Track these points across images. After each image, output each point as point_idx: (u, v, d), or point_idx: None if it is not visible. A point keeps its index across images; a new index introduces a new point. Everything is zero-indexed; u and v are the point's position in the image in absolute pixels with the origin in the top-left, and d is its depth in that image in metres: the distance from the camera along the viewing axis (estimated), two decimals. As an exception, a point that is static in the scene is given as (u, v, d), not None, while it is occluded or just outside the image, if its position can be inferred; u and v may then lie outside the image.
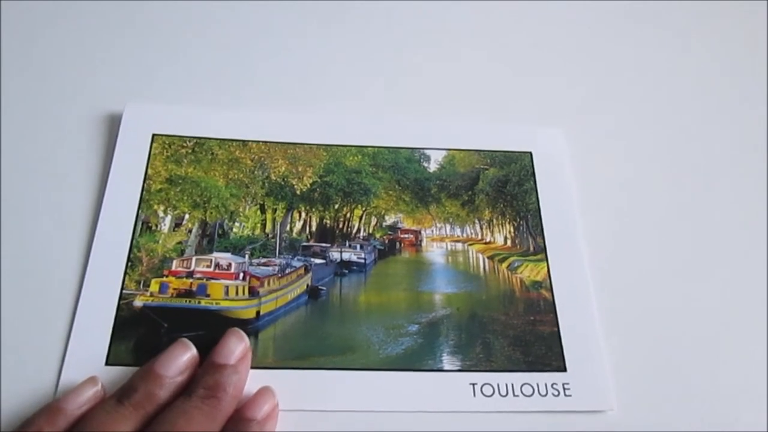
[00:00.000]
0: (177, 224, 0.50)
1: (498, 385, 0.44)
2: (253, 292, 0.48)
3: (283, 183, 0.53)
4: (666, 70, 0.62)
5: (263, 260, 0.50)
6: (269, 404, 0.41)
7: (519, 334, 0.46)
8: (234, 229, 0.51)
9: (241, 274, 0.48)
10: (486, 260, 0.53)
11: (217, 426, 0.39)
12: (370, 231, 0.54)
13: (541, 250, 0.50)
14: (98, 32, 0.59)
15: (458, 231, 0.54)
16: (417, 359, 0.45)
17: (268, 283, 0.48)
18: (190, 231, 0.50)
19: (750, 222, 0.53)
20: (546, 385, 0.44)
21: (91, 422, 0.38)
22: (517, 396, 0.44)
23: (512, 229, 0.53)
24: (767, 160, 0.56)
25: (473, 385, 0.44)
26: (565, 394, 0.44)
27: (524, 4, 0.66)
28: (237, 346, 0.42)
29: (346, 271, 0.51)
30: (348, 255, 0.52)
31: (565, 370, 0.45)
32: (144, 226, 0.49)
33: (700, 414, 0.44)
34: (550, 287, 0.48)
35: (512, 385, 0.44)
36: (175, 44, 0.59)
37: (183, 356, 0.41)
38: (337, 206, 0.54)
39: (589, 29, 0.64)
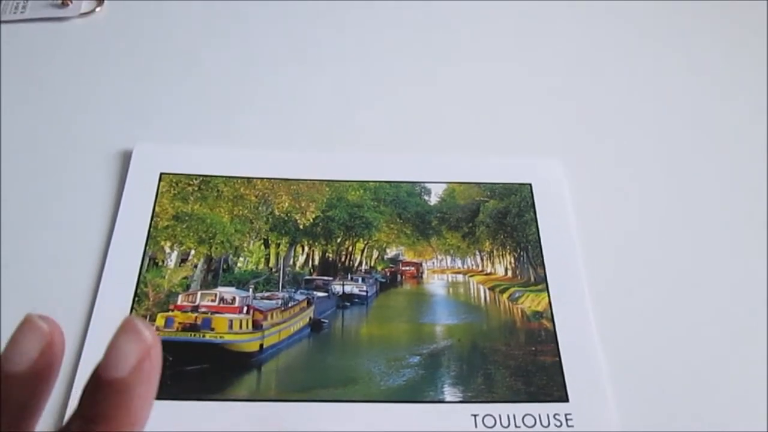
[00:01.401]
0: (183, 260, 0.51)
1: (500, 416, 0.44)
2: (256, 326, 0.48)
3: (286, 218, 0.54)
4: (665, 99, 0.63)
5: (267, 294, 0.51)
6: (138, 346, 0.25)
7: (520, 364, 0.47)
8: (238, 264, 0.52)
9: (245, 308, 0.49)
10: (487, 291, 0.53)
11: None
12: (372, 264, 0.55)
13: (542, 281, 0.51)
14: (108, 73, 0.61)
15: (459, 263, 0.55)
16: (418, 390, 0.45)
17: (272, 317, 0.49)
18: (195, 266, 0.51)
19: (752, 250, 0.53)
20: (548, 415, 0.44)
21: None
22: (519, 427, 0.44)
23: (513, 260, 0.54)
24: (768, 188, 0.56)
25: (475, 416, 0.44)
26: (568, 425, 0.44)
27: (521, 36, 0.67)
28: (132, 347, 0.25)
29: (348, 304, 0.51)
30: (350, 288, 0.52)
31: (567, 400, 0.45)
32: (151, 262, 0.50)
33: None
34: (551, 317, 0.49)
35: (514, 415, 0.44)
36: (183, 85, 0.61)
37: (30, 342, 0.26)
38: (339, 240, 0.55)
39: (586, 60, 0.66)
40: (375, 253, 0.55)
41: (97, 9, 0.66)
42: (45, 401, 0.27)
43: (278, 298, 0.50)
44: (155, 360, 0.26)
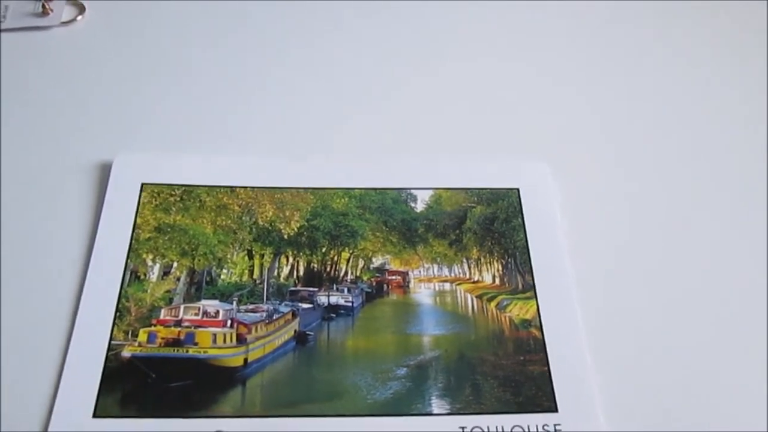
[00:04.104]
0: (165, 273, 0.51)
1: (488, 428, 0.43)
2: (240, 339, 0.48)
3: (270, 228, 0.53)
4: (654, 100, 0.62)
5: (251, 306, 0.50)
6: None
7: (509, 374, 0.46)
8: (222, 276, 0.51)
9: (229, 321, 0.48)
10: (474, 300, 0.53)
11: None
12: (358, 274, 0.54)
13: (530, 288, 0.50)
14: (88, 82, 0.60)
15: (446, 271, 0.54)
16: (405, 403, 0.44)
17: (256, 330, 0.48)
18: (178, 279, 0.51)
19: (747, 256, 0.52)
20: (537, 426, 0.43)
21: None
22: (508, 439, 0.43)
23: (500, 267, 0.53)
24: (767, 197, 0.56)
25: (463, 428, 0.43)
26: (557, 436, 0.43)
27: (507, 38, 0.66)
28: None
29: (334, 315, 0.51)
30: (335, 299, 0.52)
31: (556, 410, 0.44)
32: (132, 276, 0.49)
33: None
34: (540, 326, 0.48)
35: (503, 427, 0.43)
36: (163, 94, 0.60)
37: None
38: (324, 249, 0.54)
39: (574, 61, 0.65)
40: (361, 263, 0.54)
41: (79, 17, 0.65)
42: None
43: (263, 311, 0.50)
44: None
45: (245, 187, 0.54)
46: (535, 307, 0.49)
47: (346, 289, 0.53)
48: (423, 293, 0.53)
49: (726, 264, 0.51)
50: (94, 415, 0.43)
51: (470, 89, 0.62)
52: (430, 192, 0.56)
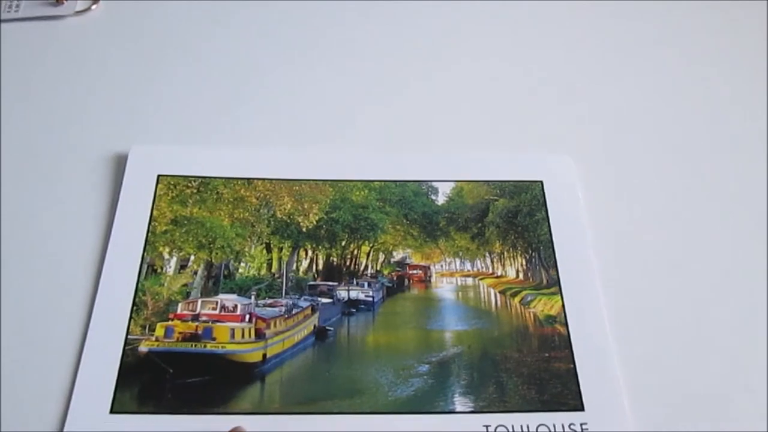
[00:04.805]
0: (182, 266, 0.50)
1: (513, 426, 0.42)
2: (259, 335, 0.47)
3: (288, 221, 0.52)
4: (679, 94, 0.60)
5: (269, 301, 0.49)
6: None
7: (533, 371, 0.45)
8: (240, 270, 0.51)
9: (247, 316, 0.47)
10: (497, 295, 0.51)
11: None
12: (378, 268, 0.53)
13: (555, 283, 0.49)
14: (103, 73, 0.59)
15: (468, 265, 0.53)
16: (428, 401, 0.43)
17: (275, 325, 0.47)
18: (195, 273, 0.50)
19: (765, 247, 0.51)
20: (563, 425, 0.42)
21: None
22: (533, 437, 0.42)
23: (524, 262, 0.52)
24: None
25: (487, 426, 0.42)
26: (583, 435, 0.42)
27: (529, 30, 0.65)
28: None
29: (354, 310, 0.50)
30: (355, 293, 0.51)
31: (582, 409, 0.43)
32: (149, 269, 0.49)
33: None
34: (565, 322, 0.47)
35: (528, 426, 0.42)
36: (180, 84, 0.59)
37: None
38: (343, 243, 0.53)
39: (598, 55, 0.63)
40: (381, 257, 0.53)
41: (93, 7, 0.64)
42: None
43: (281, 305, 0.49)
44: None
45: (263, 179, 0.53)
46: (560, 302, 0.48)
47: (366, 284, 0.52)
48: (445, 288, 0.52)
49: (755, 257, 0.50)
50: (111, 411, 0.42)
51: (493, 82, 0.60)
52: (452, 185, 0.54)
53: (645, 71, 0.62)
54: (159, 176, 0.52)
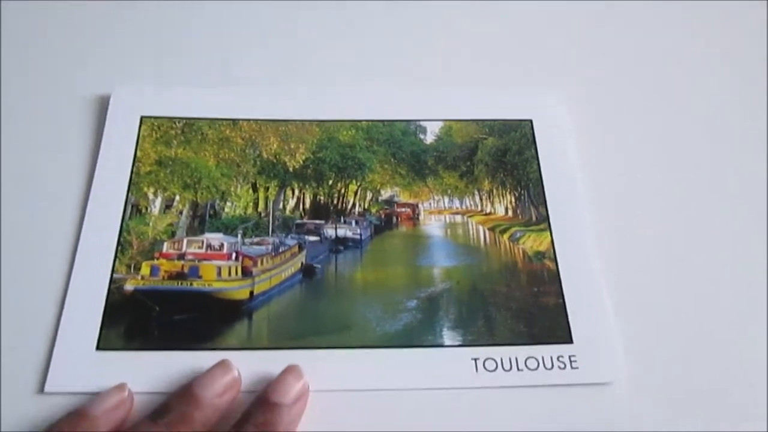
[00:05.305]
0: (167, 206, 0.49)
1: (501, 360, 0.42)
2: (246, 272, 0.46)
3: (275, 161, 0.51)
4: (673, 32, 0.59)
5: (256, 239, 0.49)
6: (298, 385, 0.39)
7: (522, 306, 0.45)
8: (226, 209, 0.50)
9: (234, 255, 0.47)
10: (486, 232, 0.51)
11: None
12: (366, 206, 0.53)
13: (544, 220, 0.48)
14: (83, 13, 0.58)
15: (457, 203, 0.53)
16: (416, 335, 0.43)
17: (262, 263, 0.47)
18: (180, 212, 0.49)
19: (758, 189, 0.50)
20: (551, 357, 0.42)
21: None
22: (522, 370, 0.42)
23: (513, 200, 0.51)
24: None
25: (475, 360, 0.42)
26: (572, 366, 0.42)
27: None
28: (294, 385, 0.39)
29: (342, 248, 0.49)
30: (343, 231, 0.50)
31: (571, 341, 0.43)
32: (134, 209, 0.48)
33: (709, 384, 0.42)
34: (554, 257, 0.46)
35: (516, 359, 0.42)
36: (162, 23, 0.58)
37: (223, 377, 0.39)
38: (331, 182, 0.52)
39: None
40: (369, 195, 0.53)
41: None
42: None
43: (268, 244, 0.48)
44: (307, 396, 0.40)
45: (248, 120, 0.52)
46: (549, 239, 0.47)
47: (354, 222, 0.51)
48: (433, 225, 0.52)
49: (746, 199, 0.50)
50: (98, 348, 0.42)
51: (483, 21, 0.59)
52: (440, 124, 0.54)
53: (643, 13, 0.61)
54: (142, 117, 0.51)
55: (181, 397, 0.38)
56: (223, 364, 0.40)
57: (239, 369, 0.40)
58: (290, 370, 0.40)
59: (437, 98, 0.54)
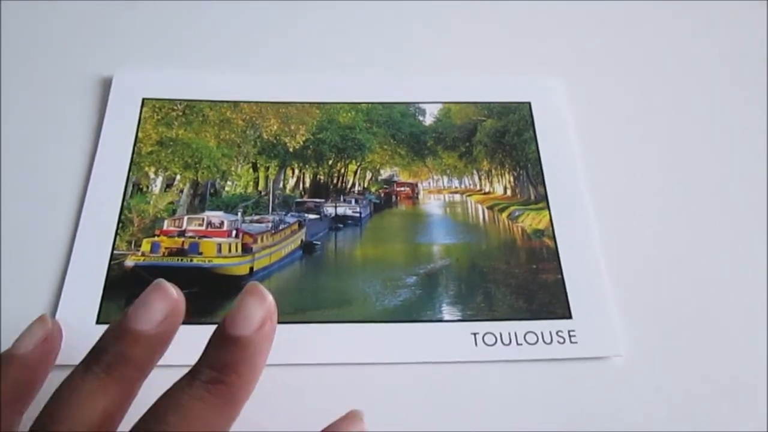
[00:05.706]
0: (168, 185, 0.49)
1: (500, 334, 0.42)
2: (246, 249, 0.47)
3: (275, 141, 0.52)
4: (671, 18, 0.60)
5: (256, 217, 0.49)
6: (261, 309, 0.32)
7: (521, 282, 0.45)
8: (226, 188, 0.50)
9: (234, 232, 0.47)
10: (485, 210, 0.51)
11: (227, 423, 0.30)
12: (365, 185, 0.53)
13: (543, 199, 0.48)
14: None
15: (456, 183, 0.53)
16: (416, 310, 0.43)
17: (262, 240, 0.47)
18: (181, 191, 0.49)
19: (759, 166, 0.51)
20: (551, 332, 0.42)
21: (57, 402, 0.30)
22: (521, 344, 0.42)
23: (512, 179, 0.52)
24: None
25: (475, 334, 0.42)
26: (571, 341, 0.42)
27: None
28: (256, 310, 0.31)
29: (341, 226, 0.50)
30: (343, 209, 0.50)
31: (570, 317, 0.43)
32: (135, 188, 0.48)
33: (709, 358, 0.42)
34: (553, 235, 0.47)
35: (515, 333, 0.42)
36: (164, 6, 0.58)
37: (158, 304, 0.32)
38: (330, 162, 0.52)
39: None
40: (368, 175, 0.53)
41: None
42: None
43: (268, 221, 0.48)
44: (274, 323, 0.32)
45: (249, 102, 0.52)
46: (548, 217, 0.48)
47: (353, 200, 0.51)
48: (433, 204, 0.52)
49: (746, 176, 0.50)
50: (98, 322, 0.42)
51: (482, 4, 0.60)
52: (439, 106, 0.54)
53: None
54: (144, 99, 0.52)
55: (114, 334, 0.32)
56: (158, 287, 0.33)
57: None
58: (249, 291, 0.32)
59: (436, 81, 0.54)
